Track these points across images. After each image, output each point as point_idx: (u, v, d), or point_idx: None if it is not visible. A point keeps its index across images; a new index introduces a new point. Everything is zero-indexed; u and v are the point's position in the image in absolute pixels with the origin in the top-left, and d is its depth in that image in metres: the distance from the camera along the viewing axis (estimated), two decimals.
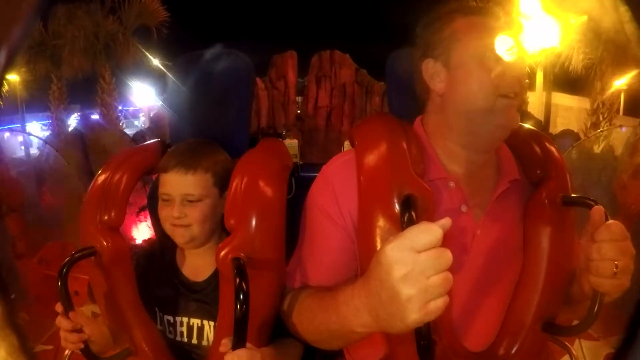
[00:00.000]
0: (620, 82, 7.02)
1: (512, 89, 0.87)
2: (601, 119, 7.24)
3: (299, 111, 9.00)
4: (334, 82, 8.77)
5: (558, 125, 8.92)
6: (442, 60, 0.91)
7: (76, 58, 7.87)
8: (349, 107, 8.73)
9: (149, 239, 1.28)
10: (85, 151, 6.50)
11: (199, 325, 1.11)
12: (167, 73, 1.29)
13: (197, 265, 1.13)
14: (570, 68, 6.94)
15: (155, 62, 8.49)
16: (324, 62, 8.83)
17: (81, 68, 8.11)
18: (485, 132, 0.90)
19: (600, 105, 7.22)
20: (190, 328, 1.11)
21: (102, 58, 8.15)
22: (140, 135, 7.43)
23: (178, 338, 1.12)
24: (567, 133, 6.82)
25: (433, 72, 0.92)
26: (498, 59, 0.87)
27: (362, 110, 8.76)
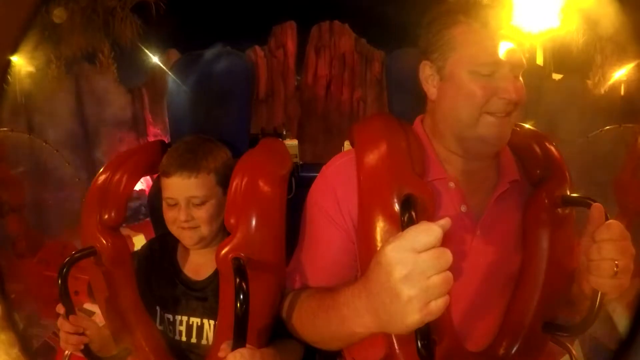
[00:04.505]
0: (620, 74, 6.96)
1: (502, 108, 0.85)
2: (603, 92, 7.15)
3: (298, 77, 8.94)
4: (333, 52, 8.77)
5: None
6: (437, 66, 0.90)
7: (75, 35, 7.77)
8: (349, 77, 8.72)
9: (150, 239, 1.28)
10: (79, 96, 6.51)
11: (199, 324, 1.11)
12: (168, 73, 1.29)
13: (198, 264, 1.13)
14: (572, 45, 6.78)
15: (155, 59, 8.42)
16: (323, 33, 8.80)
17: (80, 45, 8.01)
18: (470, 145, 0.90)
19: (602, 79, 7.10)
20: (189, 327, 1.11)
21: (101, 34, 8.08)
22: (137, 90, 7.36)
23: (177, 337, 1.12)
24: (570, 76, 6.42)
25: (428, 75, 0.92)
26: (492, 77, 0.85)
27: (362, 79, 8.75)
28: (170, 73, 1.27)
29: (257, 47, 8.33)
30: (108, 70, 7.74)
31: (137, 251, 1.19)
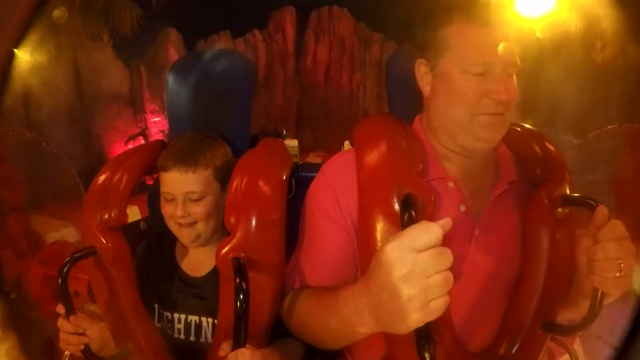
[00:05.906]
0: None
1: (494, 109, 0.85)
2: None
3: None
4: (332, 36, 8.81)
5: None
6: (431, 64, 0.91)
7: (74, 23, 7.76)
8: (348, 61, 8.77)
9: (148, 235, 1.28)
10: (77, 70, 6.53)
11: (197, 322, 1.11)
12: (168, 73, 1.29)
13: (196, 261, 1.14)
14: (572, 29, 6.74)
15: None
16: (322, 18, 8.85)
17: (79, 34, 8.00)
18: (464, 142, 0.90)
19: (601, 63, 7.06)
20: (188, 325, 1.11)
21: (100, 22, 8.08)
22: (135, 67, 7.36)
23: (176, 335, 1.12)
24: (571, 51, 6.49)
25: (423, 73, 0.93)
26: (484, 77, 0.84)
27: (361, 62, 8.80)
28: (170, 72, 1.27)
29: (256, 31, 8.39)
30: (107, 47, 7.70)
31: (136, 248, 1.19)
